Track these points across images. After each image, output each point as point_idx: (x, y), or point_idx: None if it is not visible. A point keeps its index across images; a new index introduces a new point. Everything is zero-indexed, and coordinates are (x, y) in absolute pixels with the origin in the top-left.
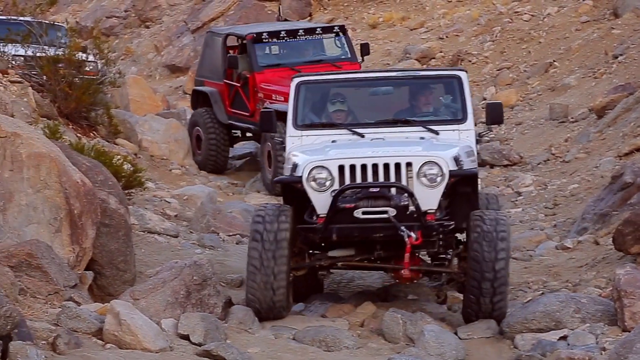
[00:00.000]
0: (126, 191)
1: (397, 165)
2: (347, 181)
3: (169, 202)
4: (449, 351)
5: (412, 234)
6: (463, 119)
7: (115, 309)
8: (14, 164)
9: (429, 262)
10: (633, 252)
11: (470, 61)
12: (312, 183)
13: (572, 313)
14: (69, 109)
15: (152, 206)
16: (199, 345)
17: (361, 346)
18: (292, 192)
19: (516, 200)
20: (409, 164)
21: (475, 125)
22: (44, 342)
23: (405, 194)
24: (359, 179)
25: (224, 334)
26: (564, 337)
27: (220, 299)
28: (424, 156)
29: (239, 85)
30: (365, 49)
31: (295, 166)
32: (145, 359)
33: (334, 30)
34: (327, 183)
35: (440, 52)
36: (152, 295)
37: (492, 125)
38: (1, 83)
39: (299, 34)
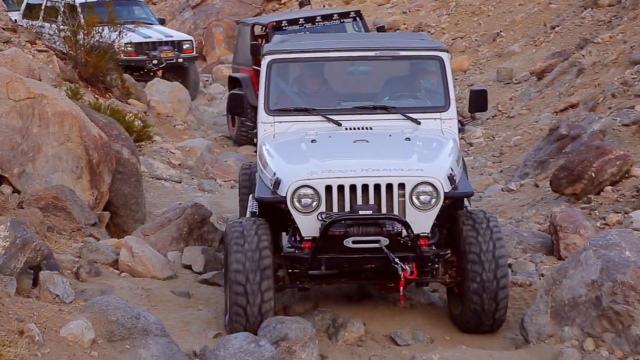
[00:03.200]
0: (137, 143)
1: (389, 186)
2: (335, 202)
3: (173, 153)
4: None
5: (407, 268)
6: (445, 106)
7: (128, 244)
8: (42, 120)
9: None
10: (567, 193)
11: (429, 32)
12: (297, 204)
13: (515, 245)
14: (88, 74)
15: (159, 156)
16: (200, 274)
17: None
18: (271, 208)
19: (468, 150)
20: (401, 185)
21: None
22: (68, 271)
23: (398, 222)
24: (347, 200)
25: (221, 263)
26: (508, 265)
27: (218, 234)
28: (417, 177)
29: None
30: (381, 31)
31: (278, 182)
32: (154, 285)
33: (351, 15)
34: (314, 204)
35: (404, 24)
36: (159, 232)
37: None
38: (30, 52)
39: (317, 20)
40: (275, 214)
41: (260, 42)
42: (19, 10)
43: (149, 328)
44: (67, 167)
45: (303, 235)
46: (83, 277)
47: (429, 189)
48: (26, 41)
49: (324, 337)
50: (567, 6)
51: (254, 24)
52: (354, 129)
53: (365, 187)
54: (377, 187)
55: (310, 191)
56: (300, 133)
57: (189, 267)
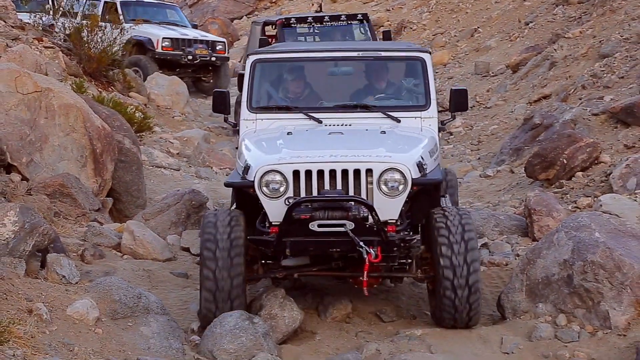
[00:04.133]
0: (138, 134)
1: (357, 172)
2: (303, 187)
3: (172, 143)
4: None
5: (372, 251)
6: (426, 105)
7: (130, 228)
8: (48, 112)
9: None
10: (540, 178)
11: (411, 28)
12: (265, 189)
13: (492, 227)
14: (92, 69)
15: (158, 146)
16: (197, 255)
17: None
18: (243, 195)
19: (448, 139)
20: (369, 171)
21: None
22: (74, 254)
23: (363, 205)
24: (315, 185)
25: None
26: (485, 245)
27: None
28: (385, 162)
29: None
30: (387, 36)
31: (247, 168)
32: (154, 266)
33: (358, 18)
34: (281, 189)
35: (388, 21)
36: (159, 217)
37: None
38: (37, 48)
39: (325, 20)
40: (251, 205)
41: (270, 40)
42: (27, 11)
43: (150, 307)
44: (72, 156)
45: (271, 220)
46: (88, 259)
47: (396, 175)
48: (34, 38)
49: (314, 315)
50: (540, 3)
51: (264, 22)
52: (334, 125)
53: (332, 173)
54: (344, 173)
55: (277, 176)
56: (280, 129)
57: (187, 249)
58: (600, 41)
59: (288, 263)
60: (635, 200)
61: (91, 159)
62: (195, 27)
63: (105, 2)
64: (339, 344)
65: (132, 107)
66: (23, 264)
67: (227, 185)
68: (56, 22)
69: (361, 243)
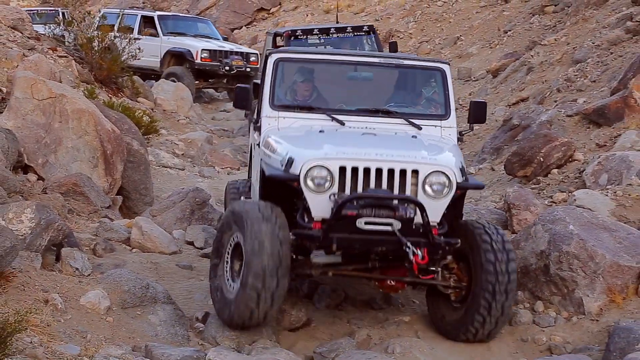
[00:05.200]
0: (145, 136)
1: (403, 172)
2: (348, 184)
3: (177, 144)
4: None
5: (419, 252)
6: (446, 115)
7: (139, 223)
8: (62, 117)
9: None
10: (519, 175)
11: (399, 37)
12: (310, 183)
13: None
14: (102, 76)
15: (164, 147)
16: (201, 249)
17: None
18: (279, 186)
19: None
20: (415, 172)
21: None
22: (86, 248)
23: (412, 205)
24: (360, 183)
25: None
26: None
27: (216, 214)
28: (431, 164)
29: None
30: (393, 47)
31: (290, 161)
32: (161, 259)
33: (364, 30)
34: (326, 184)
35: (377, 30)
36: (165, 213)
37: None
38: (51, 57)
39: (331, 32)
40: (283, 197)
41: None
42: (42, 23)
43: (157, 296)
44: (84, 157)
45: (313, 215)
46: (99, 253)
47: (442, 178)
48: (48, 48)
49: (309, 303)
50: (517, 13)
51: (275, 34)
52: (357, 128)
53: (379, 172)
54: (390, 172)
55: (324, 172)
56: (305, 127)
57: (191, 243)
58: (573, 48)
59: (319, 260)
60: (606, 195)
61: (102, 159)
62: (225, 39)
63: (142, 16)
64: (333, 330)
65: (140, 111)
66: (39, 258)
67: (270, 177)
68: (69, 33)
69: (408, 243)
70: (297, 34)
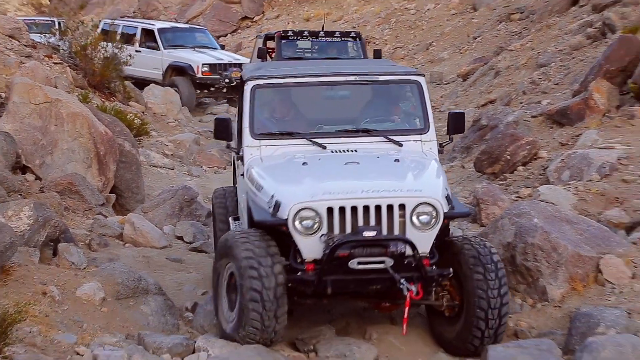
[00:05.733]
0: (136, 138)
1: (389, 207)
2: (337, 224)
3: (166, 145)
4: None
5: (413, 288)
6: (425, 129)
7: (131, 220)
8: (57, 120)
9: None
10: (487, 172)
11: (375, 43)
12: (298, 226)
13: None
14: (95, 82)
15: (155, 148)
16: (190, 243)
17: None
18: (270, 229)
19: None
20: (401, 205)
21: None
22: (82, 243)
23: (403, 242)
24: (348, 221)
25: (207, 235)
26: None
27: (204, 211)
28: (417, 197)
29: None
30: (377, 54)
31: (277, 205)
32: (152, 253)
33: (351, 36)
34: (315, 226)
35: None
36: (156, 210)
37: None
38: (47, 64)
39: (320, 35)
40: (276, 237)
41: (270, 52)
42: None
43: (149, 288)
44: (79, 158)
45: (304, 257)
46: (94, 248)
47: (429, 209)
48: (44, 55)
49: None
50: (486, 20)
51: (266, 36)
52: (339, 151)
53: (366, 209)
54: (377, 208)
55: (311, 213)
56: (287, 156)
57: (180, 238)
58: (538, 53)
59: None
60: (568, 190)
61: (96, 160)
62: (222, 47)
63: (142, 29)
64: (314, 319)
65: (131, 114)
66: (37, 253)
67: (258, 223)
68: (64, 42)
69: (402, 280)
70: (288, 35)
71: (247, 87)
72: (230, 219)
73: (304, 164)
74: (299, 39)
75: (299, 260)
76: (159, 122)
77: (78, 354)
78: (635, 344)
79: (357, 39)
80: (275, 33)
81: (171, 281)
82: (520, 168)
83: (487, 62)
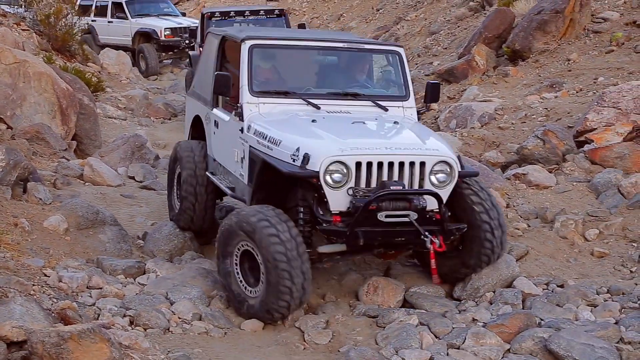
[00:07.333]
0: (94, 93)
1: (412, 164)
2: (363, 178)
3: (120, 100)
4: None
5: (436, 240)
6: (406, 96)
7: (90, 162)
8: (25, 78)
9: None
10: None
11: (295, 14)
12: (329, 179)
13: None
14: (58, 45)
15: (110, 102)
16: (140, 182)
17: None
18: (278, 176)
19: None
20: (422, 163)
21: None
22: (48, 182)
23: (424, 197)
24: (374, 177)
25: (155, 175)
26: None
27: (152, 155)
28: (436, 156)
29: None
30: (302, 27)
31: (307, 159)
32: (108, 190)
33: (275, 13)
34: (344, 179)
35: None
36: (111, 154)
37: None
38: (16, 31)
39: (246, 14)
40: (272, 184)
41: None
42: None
43: (106, 220)
44: (44, 110)
45: (332, 209)
46: (58, 186)
47: (446, 167)
48: (14, 23)
49: None
50: None
51: (202, 14)
52: (335, 112)
53: (390, 165)
54: (401, 164)
55: (341, 167)
56: (289, 113)
57: (132, 177)
58: (429, 22)
59: (325, 250)
60: (455, 136)
61: (59, 112)
62: (184, 14)
63: (112, 2)
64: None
65: (89, 73)
66: (9, 190)
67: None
68: (29, 12)
69: (426, 232)
70: (215, 15)
71: (244, 47)
72: (207, 174)
73: (313, 121)
74: (225, 19)
75: (321, 212)
76: (113, 80)
77: (45, 275)
78: None
79: (282, 15)
80: (205, 13)
81: (125, 214)
82: None
83: (388, 30)
